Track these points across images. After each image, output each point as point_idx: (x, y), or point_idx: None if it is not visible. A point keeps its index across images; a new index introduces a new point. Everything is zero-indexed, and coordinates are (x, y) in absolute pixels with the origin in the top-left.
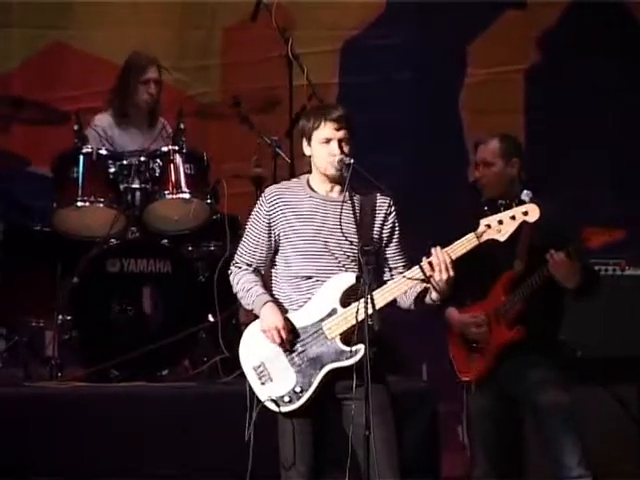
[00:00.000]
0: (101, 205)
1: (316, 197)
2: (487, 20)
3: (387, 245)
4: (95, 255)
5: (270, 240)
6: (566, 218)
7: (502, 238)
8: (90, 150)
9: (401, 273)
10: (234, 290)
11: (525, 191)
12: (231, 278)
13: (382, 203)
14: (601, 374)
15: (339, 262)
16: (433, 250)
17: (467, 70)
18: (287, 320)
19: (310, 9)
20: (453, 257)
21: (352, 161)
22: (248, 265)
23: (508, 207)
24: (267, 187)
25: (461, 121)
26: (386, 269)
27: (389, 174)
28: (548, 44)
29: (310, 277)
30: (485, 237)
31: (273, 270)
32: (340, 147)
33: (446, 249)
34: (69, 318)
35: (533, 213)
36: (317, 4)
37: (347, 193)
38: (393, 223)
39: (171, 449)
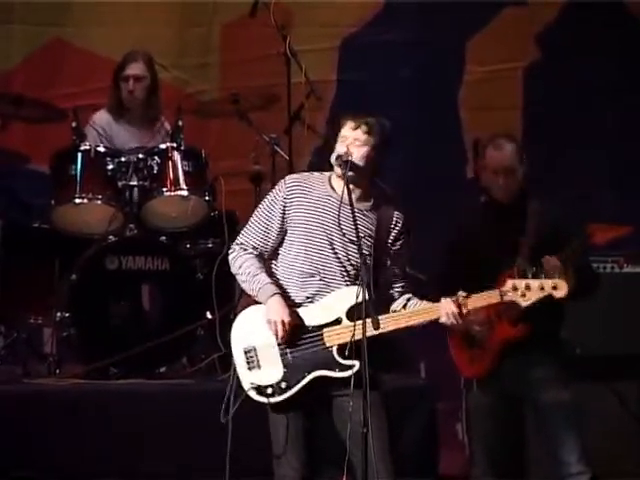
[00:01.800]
0: (99, 202)
1: (334, 197)
2: (486, 17)
3: (392, 264)
4: (93, 252)
5: (282, 225)
6: (569, 217)
7: (524, 304)
8: (88, 147)
9: (397, 292)
10: (234, 271)
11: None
12: (232, 257)
13: (397, 221)
14: (601, 372)
15: (341, 263)
16: (444, 300)
17: (466, 67)
18: (293, 316)
19: (308, 6)
20: (470, 307)
21: (350, 158)
22: (254, 248)
23: (535, 276)
24: (288, 175)
25: (460, 119)
26: (383, 286)
27: (390, 172)
28: (547, 41)
29: (312, 274)
30: (508, 298)
31: (274, 262)
32: (347, 145)
33: (467, 299)
34: (67, 315)
35: (561, 289)
36: (315, 2)
37: (346, 192)
38: (401, 245)
39: (169, 446)
